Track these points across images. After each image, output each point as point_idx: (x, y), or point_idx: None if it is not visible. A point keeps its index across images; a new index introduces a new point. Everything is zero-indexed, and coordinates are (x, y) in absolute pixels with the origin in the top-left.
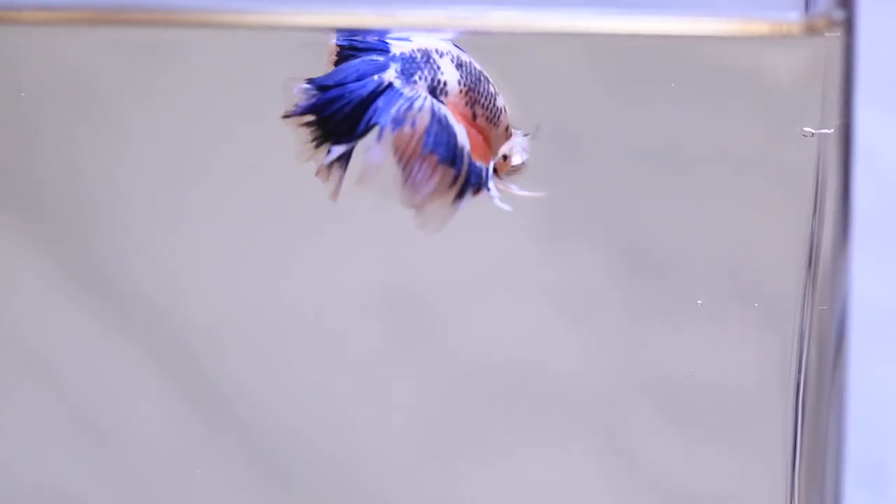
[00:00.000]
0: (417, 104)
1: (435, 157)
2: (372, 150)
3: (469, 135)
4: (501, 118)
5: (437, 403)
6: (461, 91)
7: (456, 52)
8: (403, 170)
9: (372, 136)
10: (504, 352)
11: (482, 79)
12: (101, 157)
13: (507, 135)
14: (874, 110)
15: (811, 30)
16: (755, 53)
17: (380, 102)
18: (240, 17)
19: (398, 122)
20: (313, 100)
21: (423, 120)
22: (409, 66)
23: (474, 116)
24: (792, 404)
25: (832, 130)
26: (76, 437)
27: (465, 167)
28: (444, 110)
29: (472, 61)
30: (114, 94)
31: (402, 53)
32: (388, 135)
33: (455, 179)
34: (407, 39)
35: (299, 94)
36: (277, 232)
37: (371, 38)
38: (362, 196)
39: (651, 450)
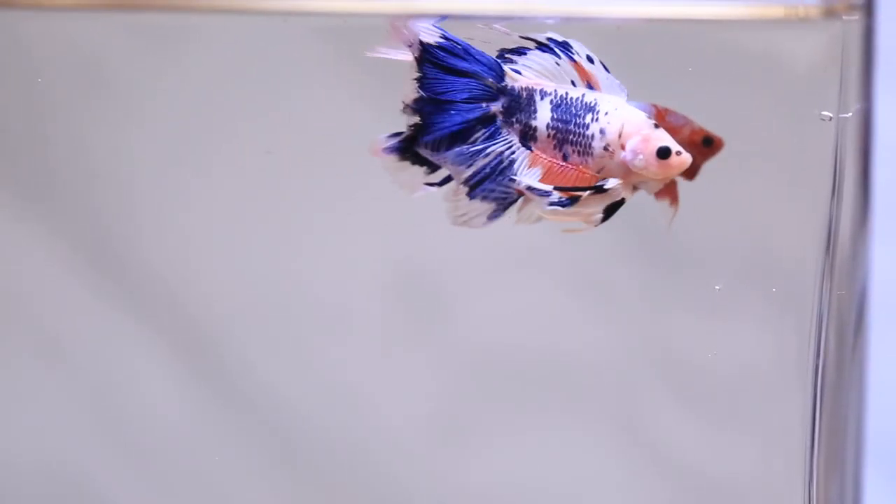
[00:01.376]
0: (489, 150)
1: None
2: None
3: (550, 174)
4: (592, 146)
5: (450, 386)
6: (549, 135)
7: (562, 91)
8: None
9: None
10: (518, 335)
11: (578, 113)
12: (117, 141)
13: (611, 153)
14: (893, 94)
15: (829, 13)
16: (773, 37)
17: (481, 133)
18: (255, 2)
19: (460, 161)
20: (422, 106)
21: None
22: (513, 106)
23: (565, 156)
24: (811, 389)
25: (850, 114)
26: (90, 419)
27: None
28: (518, 163)
29: (580, 97)
30: (129, 78)
31: (511, 88)
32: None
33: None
34: (517, 73)
35: (415, 94)
36: (290, 215)
37: (485, 52)
38: (376, 179)
39: (668, 433)
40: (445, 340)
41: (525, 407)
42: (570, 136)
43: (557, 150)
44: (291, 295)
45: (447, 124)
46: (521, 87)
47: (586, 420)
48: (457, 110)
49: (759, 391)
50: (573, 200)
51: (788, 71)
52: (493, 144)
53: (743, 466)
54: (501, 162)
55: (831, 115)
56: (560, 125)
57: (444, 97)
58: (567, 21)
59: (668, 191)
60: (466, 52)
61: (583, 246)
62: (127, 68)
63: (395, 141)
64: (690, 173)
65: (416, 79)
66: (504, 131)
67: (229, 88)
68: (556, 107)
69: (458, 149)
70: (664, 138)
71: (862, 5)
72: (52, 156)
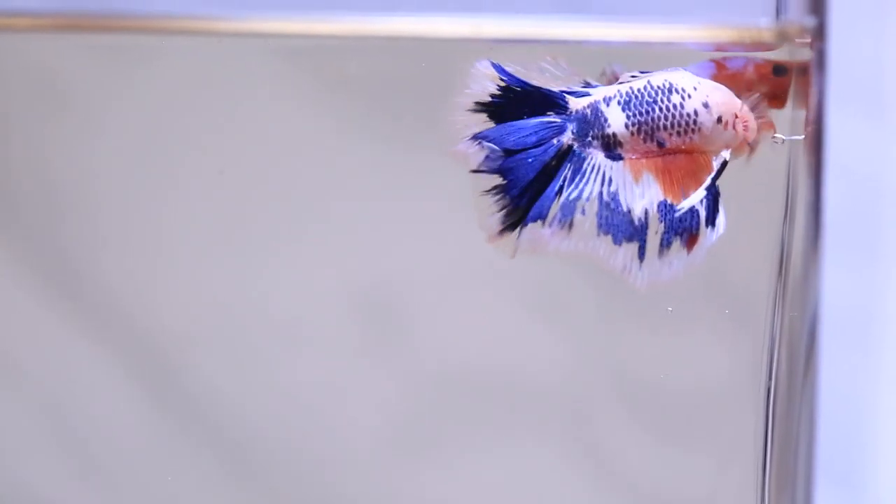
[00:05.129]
0: (586, 192)
1: (609, 239)
2: (544, 232)
3: (660, 172)
4: (699, 122)
5: (409, 404)
6: (632, 133)
7: (625, 88)
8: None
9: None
10: (477, 353)
11: (658, 98)
12: (73, 162)
13: (724, 125)
14: (845, 117)
15: (782, 36)
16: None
17: (566, 171)
18: (213, 23)
19: (567, 212)
20: (498, 162)
21: (592, 208)
22: (583, 127)
23: (661, 143)
24: (763, 409)
25: (803, 137)
26: (46, 440)
27: (647, 232)
28: (617, 180)
29: (647, 84)
30: (87, 99)
31: (577, 113)
32: (556, 225)
33: (640, 249)
34: (586, 94)
35: (481, 151)
36: (250, 235)
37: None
38: (336, 200)
39: (622, 452)
40: (405, 359)
41: (483, 424)
42: (661, 122)
43: (649, 141)
44: (250, 313)
45: (527, 173)
46: (584, 106)
47: (543, 438)
48: (532, 157)
49: (712, 411)
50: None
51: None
52: (586, 180)
53: (697, 484)
54: (603, 193)
55: (784, 137)
56: (640, 118)
57: (515, 146)
58: (527, 45)
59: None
60: (525, 93)
61: (541, 266)
62: (84, 89)
63: (500, 221)
64: (781, 101)
65: (478, 142)
66: (586, 157)
67: (187, 108)
68: (626, 104)
69: (561, 202)
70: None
71: (814, 29)
72: (10, 175)
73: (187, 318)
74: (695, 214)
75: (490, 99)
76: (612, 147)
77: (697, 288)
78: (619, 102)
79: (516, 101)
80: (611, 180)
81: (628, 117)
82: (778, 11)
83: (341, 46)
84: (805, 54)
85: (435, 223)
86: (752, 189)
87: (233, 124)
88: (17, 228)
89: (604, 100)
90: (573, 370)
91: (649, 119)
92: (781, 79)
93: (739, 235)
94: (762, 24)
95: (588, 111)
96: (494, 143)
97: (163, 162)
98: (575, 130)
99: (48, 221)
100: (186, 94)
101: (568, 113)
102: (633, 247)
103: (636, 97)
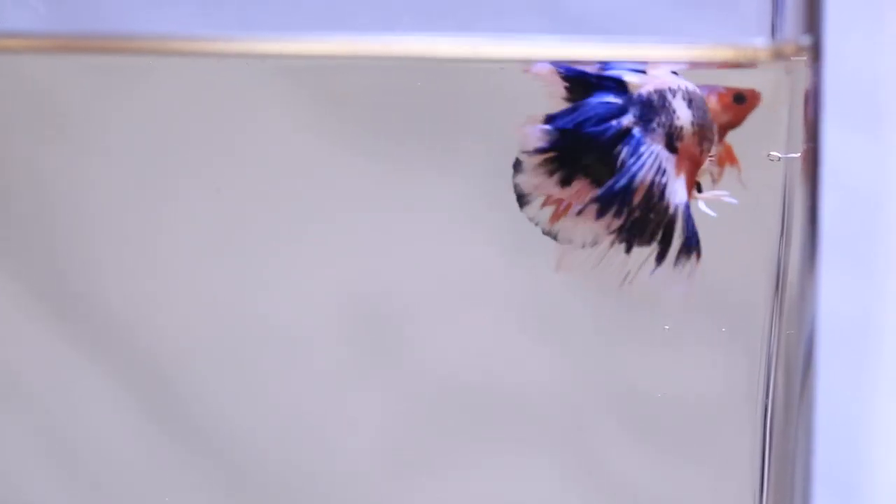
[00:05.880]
0: (639, 178)
1: (623, 241)
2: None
3: (690, 176)
4: (716, 141)
5: (403, 418)
6: (694, 133)
7: (684, 84)
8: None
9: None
10: (470, 367)
11: (705, 108)
12: (72, 180)
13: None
14: (841, 135)
15: (778, 55)
16: (722, 79)
17: (623, 152)
18: (209, 44)
19: (610, 198)
20: (554, 142)
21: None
22: (648, 112)
23: (702, 152)
24: (760, 425)
25: (799, 155)
26: (43, 456)
27: (675, 234)
28: (669, 173)
29: (696, 90)
30: (85, 118)
31: (639, 95)
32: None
33: (661, 253)
34: (641, 72)
35: (540, 135)
36: (247, 253)
37: (603, 71)
38: (334, 217)
39: (620, 469)
40: (401, 373)
41: (477, 439)
42: (707, 133)
43: (699, 145)
44: (247, 329)
45: (586, 154)
46: (651, 91)
47: (539, 453)
48: (592, 137)
49: (710, 427)
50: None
51: None
52: (640, 165)
53: (695, 500)
54: (655, 182)
55: (780, 155)
56: (701, 120)
57: (572, 125)
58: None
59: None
60: (585, 80)
61: (536, 280)
62: (82, 110)
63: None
64: (734, 125)
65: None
66: (644, 142)
67: (184, 129)
68: (689, 103)
69: (607, 187)
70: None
71: (809, 47)
72: (6, 195)
73: (185, 334)
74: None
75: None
76: (674, 139)
77: (694, 305)
78: (683, 98)
79: (578, 89)
80: (664, 172)
81: (693, 115)
82: (774, 30)
83: (339, 66)
84: (772, 78)
85: (432, 240)
86: (749, 205)
87: (230, 143)
88: (14, 246)
89: (669, 89)
90: (570, 386)
91: (705, 124)
92: (741, 107)
93: (736, 252)
94: (758, 44)
95: (655, 97)
96: (555, 124)
97: (160, 181)
98: (638, 114)
99: (45, 240)
100: (184, 114)
101: (628, 95)
102: (650, 250)
103: (696, 101)
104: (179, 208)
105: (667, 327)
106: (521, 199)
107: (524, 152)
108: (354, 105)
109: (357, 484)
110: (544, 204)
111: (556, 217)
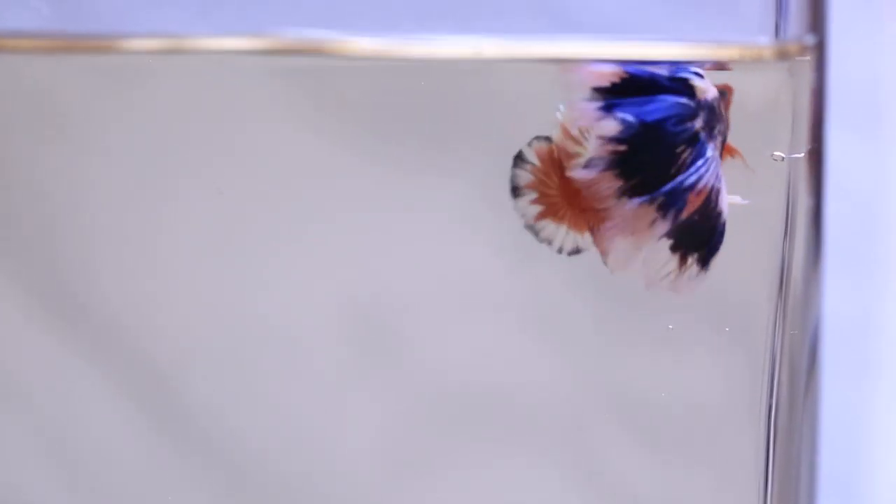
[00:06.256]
0: (702, 182)
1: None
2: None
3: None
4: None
5: (402, 418)
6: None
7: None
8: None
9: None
10: (471, 370)
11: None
12: (72, 181)
13: None
14: (845, 135)
15: (782, 54)
16: (726, 78)
17: (687, 155)
18: (210, 43)
19: (675, 199)
20: (631, 131)
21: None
22: (712, 119)
23: (722, 155)
24: (763, 428)
25: (802, 155)
26: (43, 457)
27: (723, 239)
28: (725, 179)
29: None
30: (85, 119)
31: (705, 101)
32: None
33: (707, 255)
34: (699, 75)
35: (617, 125)
36: (248, 255)
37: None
38: (335, 219)
39: (621, 471)
40: (399, 374)
41: (477, 440)
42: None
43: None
44: (247, 333)
45: (658, 144)
46: (714, 97)
47: (540, 456)
48: (666, 135)
49: (713, 429)
50: None
51: (741, 111)
52: (706, 169)
53: (697, 503)
54: (714, 188)
55: (784, 155)
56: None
57: (651, 118)
58: (527, 63)
59: None
60: (652, 78)
61: (536, 282)
62: (81, 110)
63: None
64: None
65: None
66: (707, 147)
67: (185, 129)
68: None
69: (672, 185)
70: None
71: (814, 47)
72: (6, 197)
73: (185, 335)
74: None
75: (612, 85)
76: (722, 146)
77: (697, 306)
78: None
79: (640, 87)
80: (720, 178)
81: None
82: (778, 30)
83: (340, 66)
84: (776, 78)
85: (431, 241)
86: (752, 207)
87: (230, 143)
88: (13, 246)
89: (721, 94)
90: (570, 386)
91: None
92: (725, 102)
93: (739, 253)
94: (762, 43)
95: (715, 104)
96: (631, 115)
97: (160, 181)
98: (705, 120)
99: (45, 240)
100: (184, 114)
101: (698, 100)
102: (699, 254)
103: (717, 101)
104: (179, 208)
105: (671, 327)
106: (515, 192)
107: (599, 136)
108: (355, 105)
109: (357, 484)
110: (535, 201)
111: (542, 216)
